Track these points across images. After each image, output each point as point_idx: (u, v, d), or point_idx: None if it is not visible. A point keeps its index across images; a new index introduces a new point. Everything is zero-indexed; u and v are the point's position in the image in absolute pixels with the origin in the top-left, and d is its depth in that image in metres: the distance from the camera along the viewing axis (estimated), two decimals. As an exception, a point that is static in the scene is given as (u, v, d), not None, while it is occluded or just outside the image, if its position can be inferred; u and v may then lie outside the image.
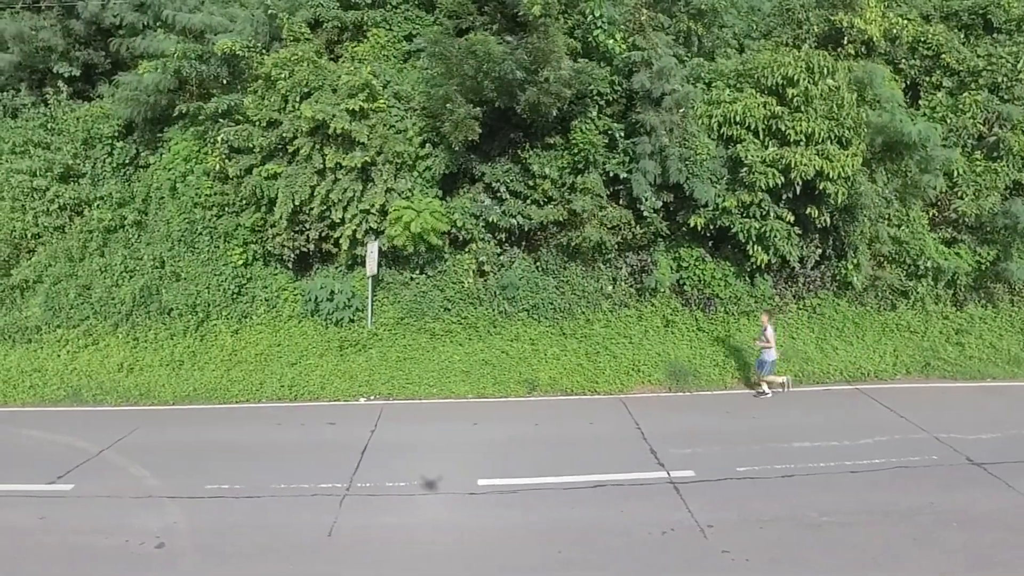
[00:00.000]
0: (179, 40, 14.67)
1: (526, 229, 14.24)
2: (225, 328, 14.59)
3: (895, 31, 15.58)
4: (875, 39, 15.17)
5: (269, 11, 14.83)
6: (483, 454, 10.49)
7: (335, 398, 12.99)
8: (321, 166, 13.47)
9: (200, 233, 15.29)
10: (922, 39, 15.87)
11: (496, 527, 8.51)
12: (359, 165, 13.20)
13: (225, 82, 15.02)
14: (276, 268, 15.23)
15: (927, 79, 15.98)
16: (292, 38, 14.86)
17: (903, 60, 16.01)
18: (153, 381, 13.60)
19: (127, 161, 16.20)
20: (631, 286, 14.85)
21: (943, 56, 15.62)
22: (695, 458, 10.21)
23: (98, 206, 15.85)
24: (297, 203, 13.69)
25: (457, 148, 13.14)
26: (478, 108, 12.81)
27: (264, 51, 14.71)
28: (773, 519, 8.59)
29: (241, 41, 14.40)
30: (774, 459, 10.12)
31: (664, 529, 8.44)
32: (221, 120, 14.45)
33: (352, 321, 14.44)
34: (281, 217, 13.78)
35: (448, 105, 12.62)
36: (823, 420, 11.60)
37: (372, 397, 12.98)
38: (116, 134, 16.07)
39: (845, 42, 15.34)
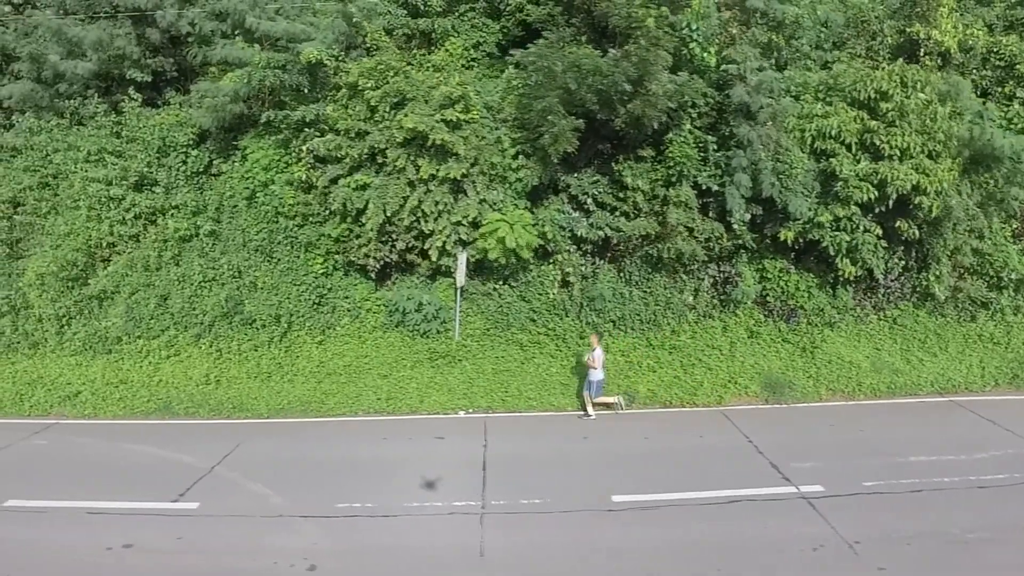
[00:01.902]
0: (261, 48, 14.56)
1: (614, 242, 14.24)
2: (310, 339, 14.51)
3: (970, 42, 15.72)
4: (952, 51, 15.29)
5: (353, 19, 14.70)
6: (605, 469, 10.50)
7: (433, 411, 12.95)
8: (414, 177, 13.39)
9: (279, 243, 15.19)
10: (994, 49, 16.02)
11: (646, 544, 8.48)
12: (457, 177, 13.15)
13: (306, 91, 14.94)
14: (356, 278, 15.16)
15: (999, 89, 16.13)
16: (375, 47, 14.76)
17: (974, 71, 16.17)
18: (244, 394, 13.52)
19: (200, 169, 16.10)
20: (713, 297, 14.91)
21: (1017, 66, 15.77)
22: (818, 472, 10.25)
23: (172, 215, 15.72)
24: (388, 214, 13.62)
25: (556, 160, 13.14)
26: (580, 120, 12.81)
27: (346, 60, 14.62)
28: (917, 535, 8.63)
29: (326, 50, 14.31)
30: (897, 474, 10.16)
31: (814, 546, 8.47)
32: (308, 129, 14.34)
33: (438, 332, 14.40)
34: (371, 228, 13.69)
35: (550, 117, 12.61)
36: (931, 434, 11.67)
37: (471, 410, 12.97)
38: (190, 142, 15.96)
39: (922, 54, 15.46)
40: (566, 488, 9.89)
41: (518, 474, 10.34)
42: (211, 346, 14.51)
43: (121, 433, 12.50)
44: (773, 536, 8.69)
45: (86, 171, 15.72)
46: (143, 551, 8.67)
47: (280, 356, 14.28)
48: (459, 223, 13.75)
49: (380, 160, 13.79)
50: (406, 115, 13.01)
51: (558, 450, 11.29)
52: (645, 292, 14.81)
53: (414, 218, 13.77)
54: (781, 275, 14.54)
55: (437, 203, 13.45)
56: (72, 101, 16.88)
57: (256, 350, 14.43)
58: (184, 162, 15.94)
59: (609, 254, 14.87)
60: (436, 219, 13.63)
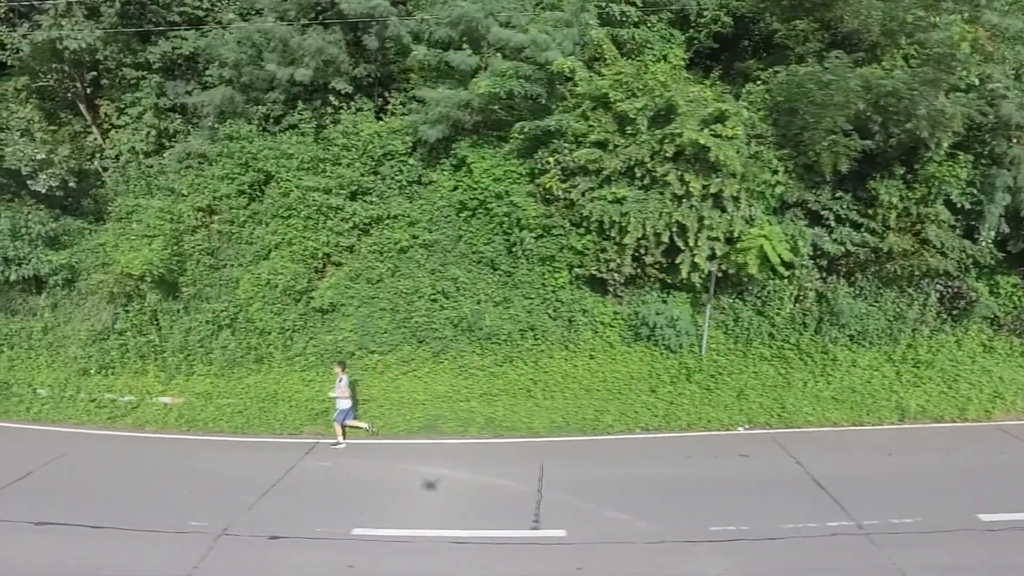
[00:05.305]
0: (503, 57, 14.32)
1: (861, 257, 14.29)
2: (556, 354, 14.28)
3: None
4: None
5: (592, 29, 14.54)
6: (945, 485, 10.41)
7: (711, 427, 12.84)
8: (681, 192, 13.25)
9: (510, 254, 14.87)
10: None
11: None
12: (733, 193, 13.07)
13: (543, 101, 14.70)
14: (586, 291, 14.95)
15: None
16: (612, 57, 14.61)
17: None
18: (508, 410, 13.24)
19: (414, 179, 15.74)
20: (940, 312, 15.03)
21: None
22: None
23: (388, 225, 15.36)
24: (648, 228, 13.48)
25: (828, 177, 13.19)
26: (867, 140, 12.87)
27: (594, 70, 14.45)
28: None
29: (572, 60, 14.11)
30: None
31: None
32: (556, 140, 14.12)
33: (683, 347, 14.29)
34: (630, 242, 13.53)
35: (832, 136, 12.63)
36: None
37: (748, 426, 12.90)
38: (407, 151, 15.60)
39: None
40: (927, 506, 9.77)
41: (862, 492, 10.18)
42: (454, 361, 14.20)
43: (399, 453, 12.15)
44: None
45: (300, 179, 15.28)
46: (556, 583, 8.43)
47: (530, 372, 14.02)
48: (715, 238, 13.66)
49: (639, 173, 13.62)
50: (680, 131, 12.86)
51: (876, 466, 11.19)
52: (874, 307, 14.91)
53: (670, 232, 13.64)
54: (1015, 290, 14.77)
55: (702, 218, 13.34)
56: (261, 107, 16.44)
57: (500, 365, 14.16)
58: (400, 171, 15.58)
59: (843, 269, 14.90)
60: (696, 234, 13.51)
